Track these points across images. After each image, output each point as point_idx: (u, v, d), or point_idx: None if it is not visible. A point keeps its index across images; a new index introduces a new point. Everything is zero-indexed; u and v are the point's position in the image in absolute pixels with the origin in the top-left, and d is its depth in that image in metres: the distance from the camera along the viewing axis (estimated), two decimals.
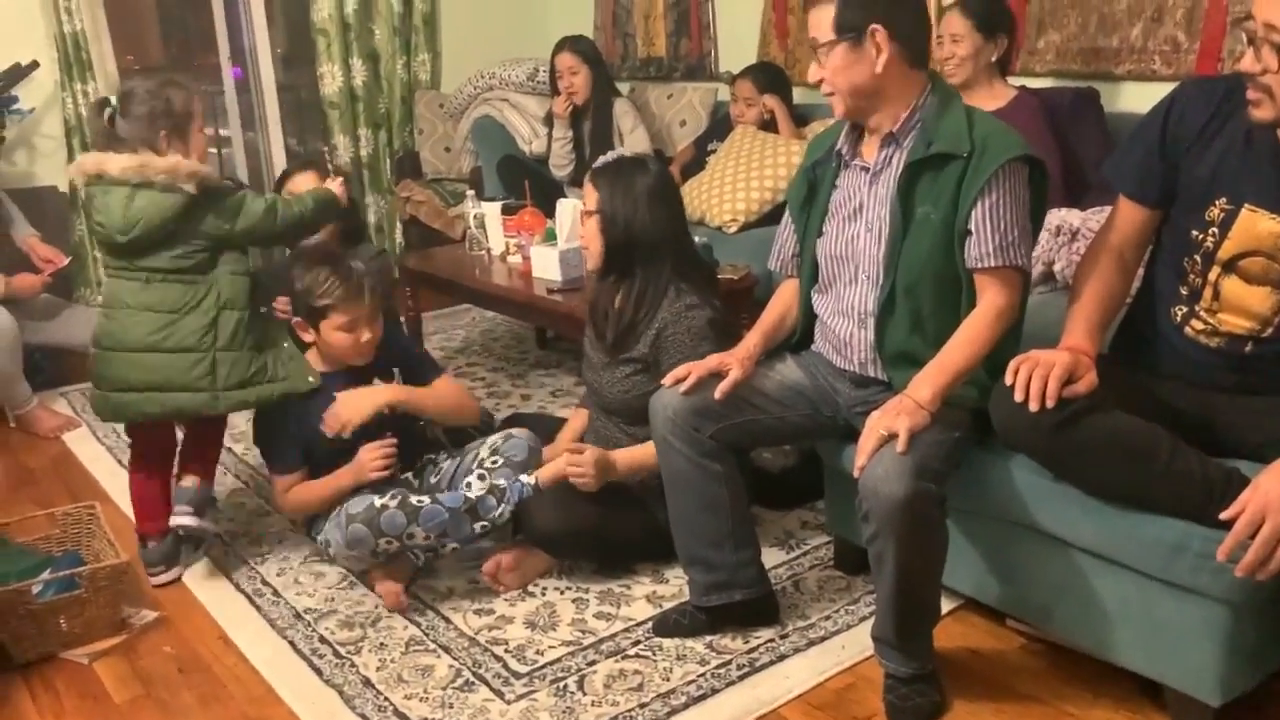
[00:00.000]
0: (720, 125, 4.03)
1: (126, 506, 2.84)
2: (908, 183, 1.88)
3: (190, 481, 2.49)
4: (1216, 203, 1.73)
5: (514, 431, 2.46)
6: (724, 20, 4.37)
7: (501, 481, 2.28)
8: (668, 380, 2.07)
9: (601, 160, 2.40)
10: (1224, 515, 1.55)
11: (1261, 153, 1.68)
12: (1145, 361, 1.89)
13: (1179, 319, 1.83)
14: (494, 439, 2.46)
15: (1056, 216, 2.52)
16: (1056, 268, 2.47)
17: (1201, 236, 1.76)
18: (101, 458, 3.21)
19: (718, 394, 2.00)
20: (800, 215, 2.11)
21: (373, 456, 2.31)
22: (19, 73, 3.87)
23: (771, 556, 2.38)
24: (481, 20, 5.02)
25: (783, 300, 2.20)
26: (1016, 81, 3.06)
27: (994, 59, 2.90)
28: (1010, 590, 2.01)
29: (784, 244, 2.19)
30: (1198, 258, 1.78)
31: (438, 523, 2.22)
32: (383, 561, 2.29)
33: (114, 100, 2.38)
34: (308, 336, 2.39)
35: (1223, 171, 1.72)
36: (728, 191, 3.58)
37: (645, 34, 4.73)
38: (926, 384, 1.79)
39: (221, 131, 5.64)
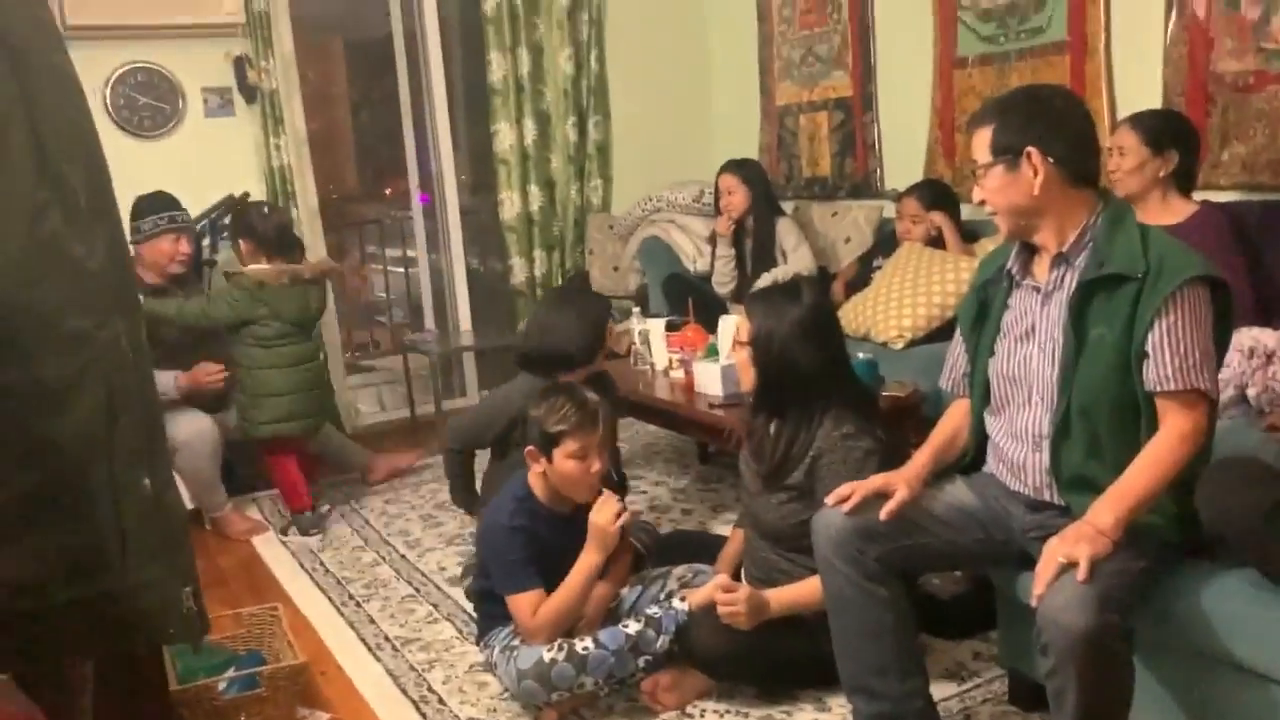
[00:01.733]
0: (886, 242, 4.01)
1: (306, 610, 2.97)
2: (1080, 303, 1.83)
3: None
4: None
5: (702, 568, 2.48)
6: (889, 139, 4.39)
7: (656, 611, 2.27)
8: (830, 500, 2.02)
9: (757, 287, 2.42)
10: None
11: None
12: None
13: None
14: (682, 572, 2.48)
15: (1249, 337, 2.37)
16: (1250, 392, 2.31)
17: None
18: (285, 561, 3.36)
19: (883, 514, 1.95)
20: (971, 335, 2.07)
21: (609, 519, 2.30)
22: (232, 203, 4.22)
23: (941, 689, 2.26)
24: (652, 146, 5.19)
25: (953, 420, 2.14)
26: (1200, 195, 2.94)
27: (1164, 174, 2.79)
28: None
29: (955, 363, 2.14)
30: None
31: (604, 668, 2.22)
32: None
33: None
34: (538, 466, 2.37)
35: None
36: (894, 307, 3.54)
37: (810, 155, 4.79)
38: (1108, 510, 1.70)
39: (409, 252, 5.99)
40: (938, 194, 3.80)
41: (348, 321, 6.58)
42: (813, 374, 2.23)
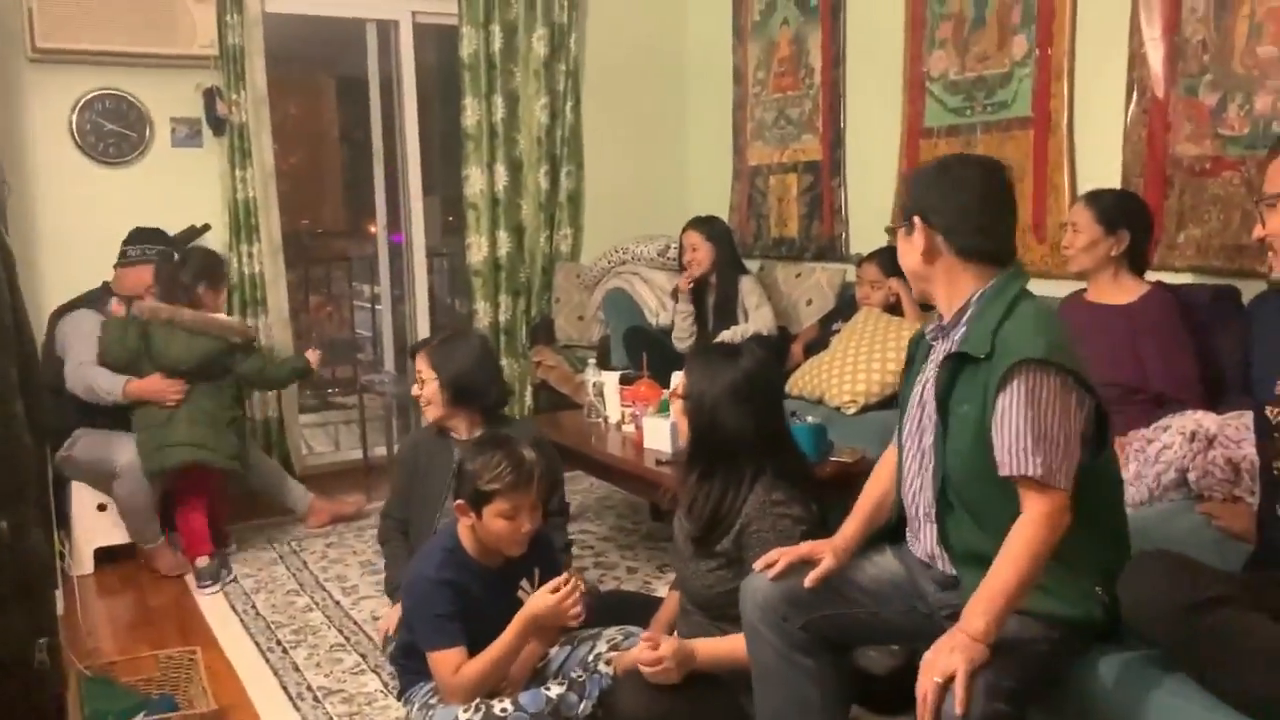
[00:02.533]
0: (846, 305, 4.00)
1: (231, 653, 2.89)
2: (947, 380, 1.81)
3: None
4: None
5: (634, 630, 2.42)
6: (855, 204, 4.41)
7: (580, 674, 2.21)
8: (758, 565, 1.99)
9: (699, 347, 2.39)
10: None
11: None
12: (1275, 579, 1.76)
13: None
14: (613, 633, 2.42)
15: (1192, 420, 2.36)
16: (1191, 476, 2.29)
17: (1275, 411, 1.80)
18: (216, 602, 3.29)
19: (807, 582, 1.91)
20: (905, 385, 2.05)
21: (568, 603, 2.23)
22: (192, 234, 4.19)
23: None
24: (624, 198, 5.19)
25: (881, 479, 2.10)
26: (1155, 276, 2.95)
27: (1115, 253, 2.80)
28: None
29: None
30: (1275, 435, 1.80)
31: None
32: None
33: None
34: (467, 520, 2.31)
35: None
36: (848, 372, 3.52)
37: (779, 215, 4.81)
38: (979, 614, 1.64)
39: (375, 289, 5.96)
40: (897, 261, 3.79)
41: None
42: (741, 438, 2.19)
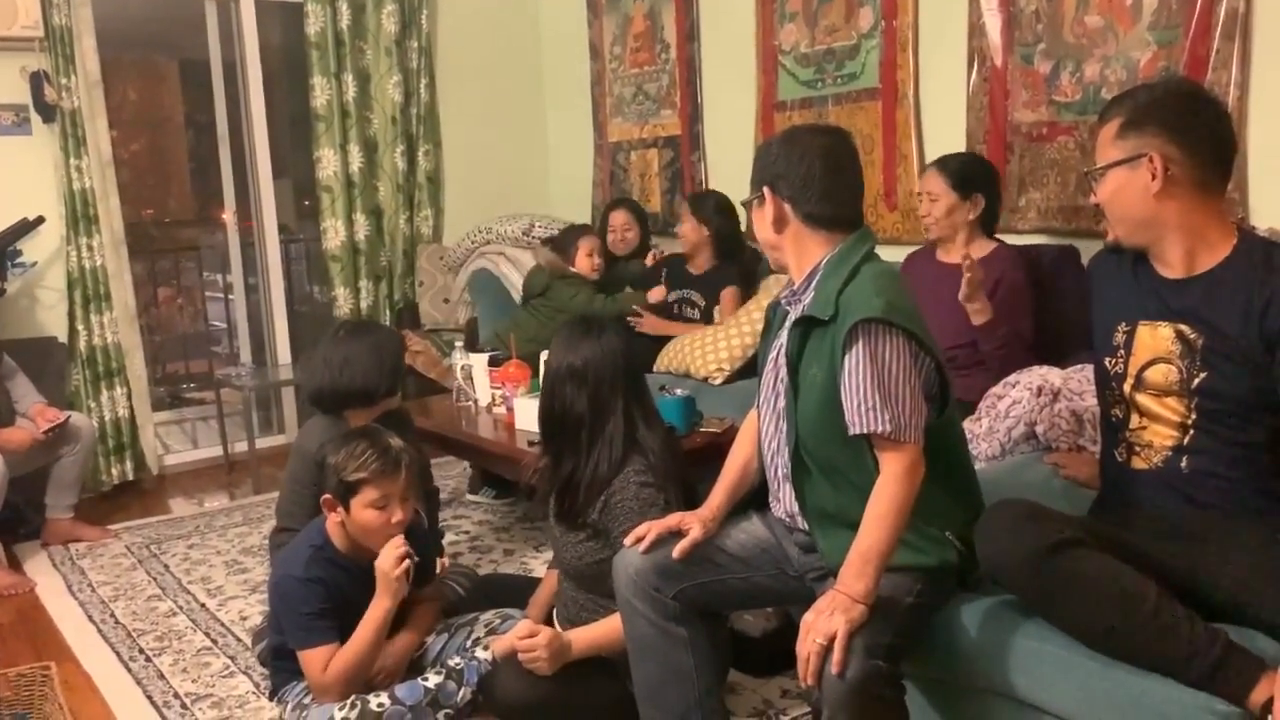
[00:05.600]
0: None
1: (90, 666, 2.75)
2: (798, 342, 1.86)
3: None
4: (1119, 328, 1.89)
5: (511, 613, 2.40)
6: (715, 177, 4.45)
7: (458, 661, 2.19)
8: (628, 540, 2.00)
9: (565, 321, 2.37)
10: (1252, 702, 1.52)
11: (1142, 274, 1.87)
12: (1117, 519, 1.87)
13: (1122, 457, 1.89)
14: (490, 617, 2.39)
15: (1037, 376, 2.47)
16: (1039, 429, 2.40)
17: (1113, 362, 1.89)
18: (70, 614, 3.12)
19: (676, 553, 1.94)
20: (761, 351, 2.09)
21: (390, 564, 2.18)
22: (24, 227, 3.94)
23: None
24: (485, 178, 5.13)
25: (744, 445, 2.14)
26: (1000, 239, 3.06)
27: (972, 217, 2.91)
28: None
29: None
30: (1113, 384, 1.89)
31: None
32: None
33: None
34: (335, 516, 2.25)
35: (1120, 301, 1.90)
36: (710, 343, 3.56)
37: (641, 191, 4.82)
38: (855, 575, 1.70)
39: (228, 279, 5.75)
40: (715, 203, 3.92)
41: (163, 354, 6.27)
42: (577, 417, 2.20)
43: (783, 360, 1.91)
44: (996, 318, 2.68)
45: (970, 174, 2.93)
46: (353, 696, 2.13)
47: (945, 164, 2.96)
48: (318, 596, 2.21)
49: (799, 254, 1.91)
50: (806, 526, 1.92)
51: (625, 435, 2.20)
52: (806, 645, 1.66)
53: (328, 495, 2.24)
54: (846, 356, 1.76)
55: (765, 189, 1.91)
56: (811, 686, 1.67)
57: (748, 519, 2.07)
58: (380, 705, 2.11)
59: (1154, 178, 1.76)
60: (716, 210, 3.88)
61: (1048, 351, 2.71)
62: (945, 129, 3.45)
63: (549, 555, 3.28)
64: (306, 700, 2.21)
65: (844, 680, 1.62)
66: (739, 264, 3.90)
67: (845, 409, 1.76)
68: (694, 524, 1.98)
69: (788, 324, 1.93)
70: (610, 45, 4.89)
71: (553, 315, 3.82)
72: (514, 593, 2.67)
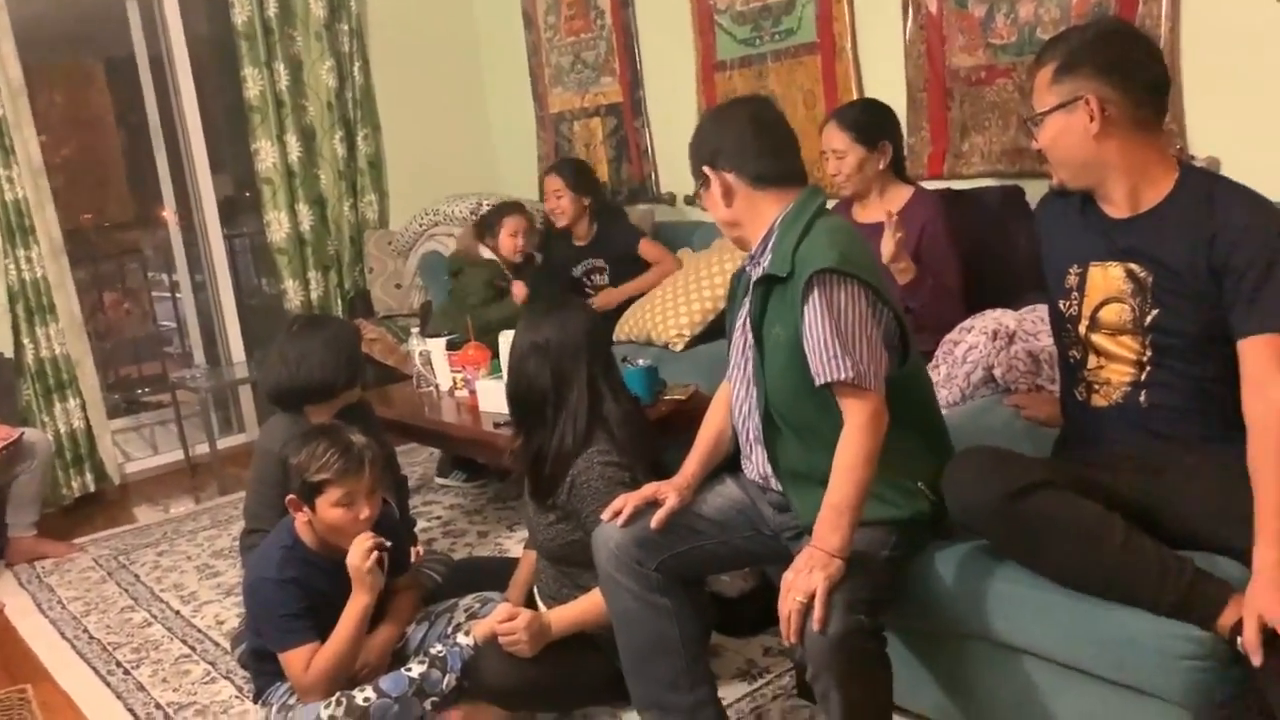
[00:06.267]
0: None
1: (67, 684, 2.72)
2: (760, 303, 1.88)
3: None
4: (1071, 270, 1.90)
5: (491, 596, 2.39)
6: (661, 143, 4.42)
7: (440, 649, 2.19)
8: (605, 515, 2.00)
9: (532, 303, 2.38)
10: (1221, 625, 1.56)
11: (1090, 215, 1.88)
12: (1080, 456, 1.90)
13: (1082, 396, 1.92)
14: (469, 602, 2.38)
15: (992, 319, 2.49)
16: (997, 372, 2.43)
17: (1067, 304, 1.91)
18: (43, 632, 3.07)
19: (654, 523, 1.95)
20: (728, 320, 2.09)
21: (360, 558, 2.17)
22: None
23: (734, 690, 2.29)
24: (428, 159, 5.05)
25: (717, 412, 2.14)
26: (944, 184, 3.07)
27: (882, 166, 2.84)
28: (971, 708, 1.93)
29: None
30: (1069, 326, 1.91)
31: (388, 717, 2.10)
32: None
33: None
34: (302, 516, 2.23)
35: (1070, 244, 1.92)
36: (670, 307, 3.55)
37: (588, 160, 4.76)
38: (830, 530, 1.71)
39: (174, 278, 5.64)
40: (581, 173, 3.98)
41: (114, 359, 6.16)
42: (541, 393, 2.20)
43: (748, 324, 1.92)
44: (921, 272, 2.64)
45: (872, 121, 2.85)
46: (337, 694, 2.12)
47: (843, 116, 2.88)
48: (293, 597, 2.19)
49: (753, 219, 1.92)
50: (780, 487, 1.93)
51: (590, 408, 2.19)
52: (787, 604, 1.67)
53: (292, 496, 2.21)
54: (805, 308, 1.77)
55: (705, 169, 1.93)
56: (795, 644, 1.69)
57: (721, 482, 2.08)
58: (366, 700, 2.10)
59: (1092, 119, 1.77)
60: (586, 175, 4.04)
61: (998, 294, 2.71)
62: (885, 79, 3.44)
63: (524, 534, 3.30)
64: (291, 701, 2.19)
65: (826, 636, 1.63)
66: (620, 216, 4.11)
67: (809, 362, 1.78)
68: (669, 493, 1.99)
69: (750, 287, 1.93)
70: (544, 14, 4.82)
71: (461, 302, 3.82)
72: (492, 575, 2.66)
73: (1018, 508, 1.69)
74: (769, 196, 1.90)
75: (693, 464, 2.08)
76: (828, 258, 1.77)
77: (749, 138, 1.90)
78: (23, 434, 3.48)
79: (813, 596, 1.65)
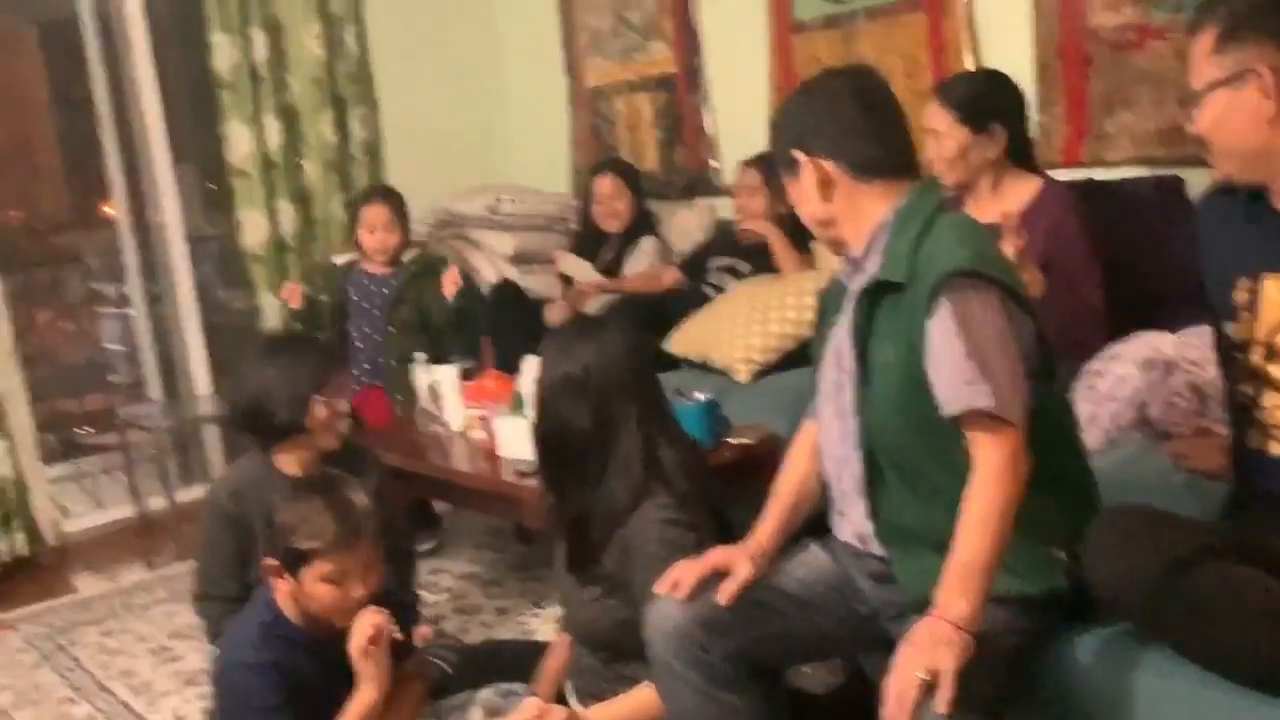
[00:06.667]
0: (724, 239, 4.09)
1: None
2: (864, 318, 1.89)
3: None
4: (1240, 285, 1.89)
5: (514, 688, 2.43)
6: (725, 122, 4.48)
7: None
8: (660, 588, 2.02)
9: (557, 327, 2.41)
10: None
11: (1263, 217, 1.87)
12: (1256, 519, 1.89)
13: (1257, 443, 1.91)
14: (489, 695, 2.43)
15: (1144, 345, 2.50)
16: (1153, 411, 2.43)
17: (1236, 327, 1.90)
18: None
19: (722, 598, 1.95)
20: (816, 344, 2.11)
21: (359, 645, 2.22)
22: None
23: None
24: (435, 144, 5.14)
25: (798, 463, 2.16)
26: (1087, 173, 3.08)
27: (992, 155, 2.86)
28: None
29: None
30: (1238, 355, 1.90)
31: None
32: None
33: None
34: (284, 585, 2.27)
35: (1239, 252, 1.90)
36: (739, 325, 3.59)
37: (632, 146, 4.85)
38: (957, 594, 1.71)
39: (122, 288, 5.78)
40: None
41: (48, 390, 6.29)
42: (580, 437, 2.22)
43: (844, 344, 1.94)
44: (1052, 286, 2.61)
45: (983, 98, 2.88)
46: None
47: (948, 90, 2.92)
48: (272, 686, 2.23)
49: (855, 217, 1.94)
50: (881, 551, 1.95)
51: (643, 455, 2.22)
52: (901, 681, 1.66)
53: (272, 561, 2.27)
54: (931, 322, 1.78)
55: (797, 153, 1.94)
56: None
57: (804, 549, 2.10)
58: None
59: (1265, 97, 1.77)
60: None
61: (1151, 314, 2.71)
62: (1008, 43, 3.47)
63: (555, 611, 3.33)
64: None
65: None
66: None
67: (935, 387, 1.79)
68: (740, 561, 1.99)
69: (851, 298, 1.95)
70: None
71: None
72: (514, 662, 2.68)
73: (1177, 584, 1.69)
74: (874, 189, 1.92)
75: (769, 525, 2.09)
76: (958, 258, 1.79)
77: (853, 118, 1.92)
78: None
79: (936, 675, 1.64)
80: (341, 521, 2.21)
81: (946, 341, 1.77)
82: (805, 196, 1.97)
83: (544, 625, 3.29)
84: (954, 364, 1.76)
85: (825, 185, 1.93)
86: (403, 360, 3.93)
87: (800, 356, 3.48)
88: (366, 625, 2.23)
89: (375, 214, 4.15)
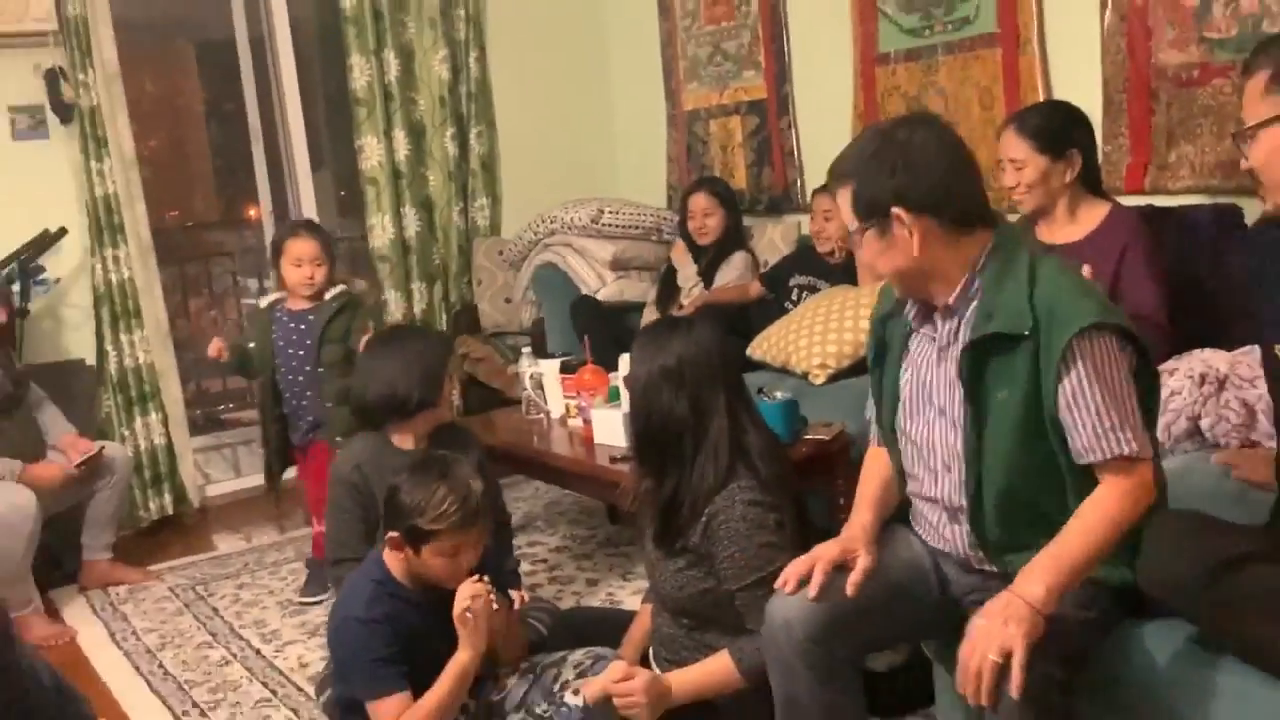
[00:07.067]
0: (804, 256, 4.05)
1: (140, 718, 2.87)
2: (974, 365, 1.83)
3: None
4: None
5: (604, 652, 2.42)
6: (809, 146, 4.45)
7: (546, 708, 2.24)
8: (785, 584, 1.91)
9: (646, 325, 2.42)
10: None
11: None
12: None
13: None
14: (580, 658, 2.42)
15: (1199, 361, 2.44)
16: (1204, 423, 2.37)
17: None
18: (117, 665, 3.25)
19: (850, 589, 1.87)
20: (873, 376, 2.08)
21: (460, 610, 2.24)
22: (46, 241, 4.10)
23: None
24: (545, 159, 5.19)
25: (876, 471, 2.13)
26: (1148, 200, 3.01)
27: (1069, 178, 2.80)
28: None
29: (870, 409, 2.15)
30: None
31: None
32: None
33: None
34: (399, 554, 2.31)
35: None
36: (818, 332, 3.56)
37: (723, 165, 4.83)
38: (1039, 578, 1.67)
39: (265, 284, 5.90)
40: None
41: (196, 372, 6.45)
42: (676, 424, 2.21)
43: (943, 388, 1.90)
44: (1119, 305, 2.55)
45: (1059, 127, 2.82)
46: None
47: (1024, 121, 2.85)
48: (383, 638, 2.27)
49: (945, 269, 1.87)
50: (984, 564, 1.92)
51: (731, 440, 2.21)
52: (977, 659, 1.63)
53: (395, 535, 2.30)
54: (1068, 374, 1.74)
55: (896, 210, 1.82)
56: (982, 707, 1.65)
57: (896, 535, 2.03)
58: None
59: None
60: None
61: (1207, 332, 2.65)
62: (1078, 77, 3.41)
63: (639, 585, 3.34)
64: None
65: (1019, 706, 1.60)
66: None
67: (1073, 438, 1.76)
68: (860, 550, 1.92)
69: (940, 345, 1.91)
70: (682, 1, 4.92)
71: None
72: (603, 629, 2.69)
73: (1225, 583, 1.65)
74: (962, 242, 1.85)
75: (868, 513, 2.02)
76: (1086, 311, 1.74)
77: (945, 173, 1.84)
78: (103, 448, 3.70)
79: (1008, 655, 1.61)
80: (463, 505, 2.23)
81: (1089, 391, 1.73)
82: (895, 250, 1.86)
83: (630, 596, 3.29)
84: (1096, 415, 1.73)
85: (922, 240, 1.83)
86: (340, 401, 3.44)
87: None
88: (466, 594, 2.25)
89: (303, 246, 3.58)
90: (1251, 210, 2.93)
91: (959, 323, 1.88)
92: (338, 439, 3.40)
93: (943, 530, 1.97)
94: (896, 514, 2.10)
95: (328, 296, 3.63)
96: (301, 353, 3.60)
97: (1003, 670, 1.61)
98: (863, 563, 1.90)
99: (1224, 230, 2.93)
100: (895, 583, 1.96)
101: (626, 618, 2.70)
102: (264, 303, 3.78)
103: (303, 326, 3.61)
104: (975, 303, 1.85)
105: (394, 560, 2.33)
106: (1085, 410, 1.74)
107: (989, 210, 1.91)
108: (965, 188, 1.87)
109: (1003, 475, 1.83)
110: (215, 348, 3.69)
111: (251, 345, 3.70)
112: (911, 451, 1.99)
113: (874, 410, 2.14)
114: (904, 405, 1.99)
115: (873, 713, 2.43)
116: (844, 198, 1.89)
